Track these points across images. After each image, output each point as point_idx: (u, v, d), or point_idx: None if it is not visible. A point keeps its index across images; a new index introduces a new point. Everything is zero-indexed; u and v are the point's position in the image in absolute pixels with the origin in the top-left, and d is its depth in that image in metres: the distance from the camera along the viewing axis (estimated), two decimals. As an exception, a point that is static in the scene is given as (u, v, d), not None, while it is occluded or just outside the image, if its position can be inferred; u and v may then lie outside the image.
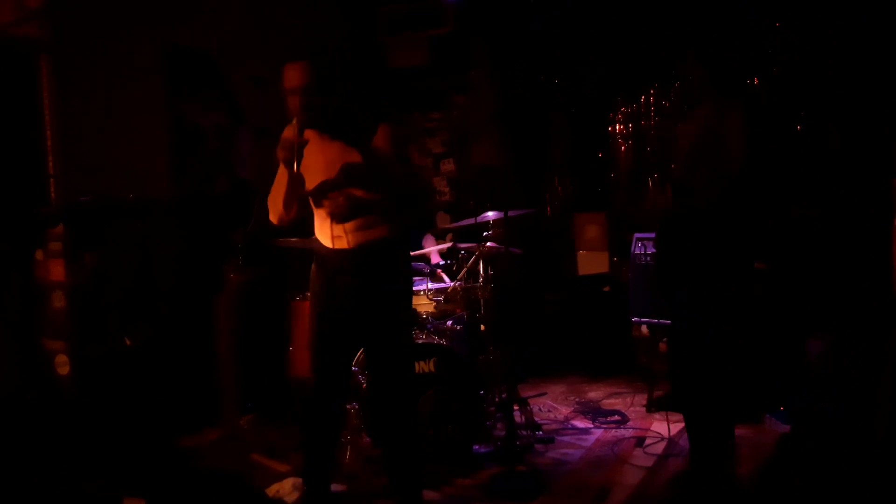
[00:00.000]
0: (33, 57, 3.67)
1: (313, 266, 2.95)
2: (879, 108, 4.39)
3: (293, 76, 2.67)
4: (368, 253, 2.81)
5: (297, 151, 2.63)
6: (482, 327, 4.23)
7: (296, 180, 2.75)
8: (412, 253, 4.28)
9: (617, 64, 5.70)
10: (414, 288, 4.10)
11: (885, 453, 3.35)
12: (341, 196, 2.74)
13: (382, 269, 2.84)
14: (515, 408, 4.00)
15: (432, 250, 4.47)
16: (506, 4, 5.94)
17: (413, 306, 4.03)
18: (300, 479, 3.17)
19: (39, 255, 3.53)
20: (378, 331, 2.86)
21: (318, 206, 2.85)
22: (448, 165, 6.03)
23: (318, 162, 2.79)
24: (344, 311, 2.84)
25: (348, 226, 2.78)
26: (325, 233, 2.86)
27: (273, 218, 2.89)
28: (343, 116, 2.78)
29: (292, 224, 2.92)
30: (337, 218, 2.78)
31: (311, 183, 2.83)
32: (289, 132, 2.70)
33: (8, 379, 3.47)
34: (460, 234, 5.26)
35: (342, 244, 2.80)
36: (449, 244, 4.43)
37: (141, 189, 4.04)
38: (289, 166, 2.68)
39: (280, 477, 3.47)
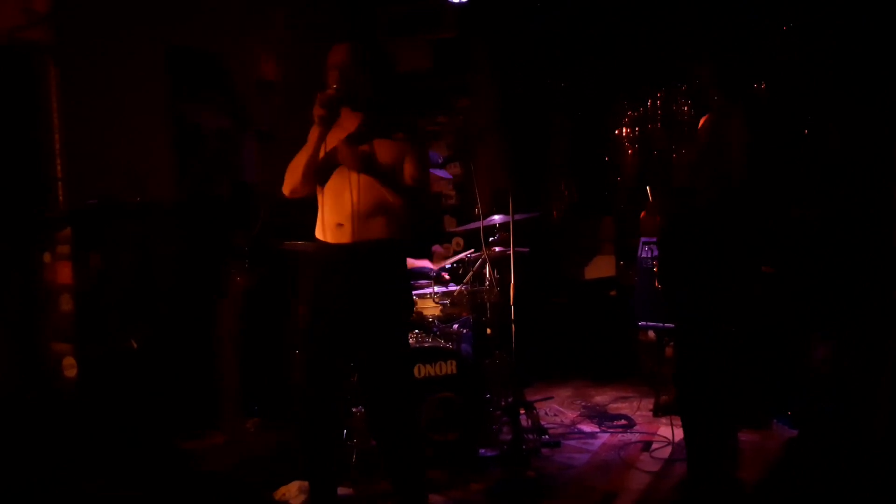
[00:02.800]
0: (40, 60, 3.68)
1: (308, 266, 2.94)
2: (879, 108, 4.38)
3: (338, 52, 2.81)
4: (369, 250, 2.80)
5: (334, 108, 2.69)
6: (488, 331, 4.22)
7: (325, 136, 2.75)
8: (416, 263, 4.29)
9: (621, 66, 5.70)
10: (420, 291, 4.11)
11: (885, 453, 3.34)
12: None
13: (381, 268, 2.82)
14: (521, 412, 3.99)
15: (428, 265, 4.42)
16: (507, 6, 5.93)
17: (419, 309, 4.04)
18: (306, 483, 3.16)
19: (47, 258, 3.53)
20: (373, 331, 2.84)
21: (327, 179, 2.84)
22: (454, 169, 6.03)
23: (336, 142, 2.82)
24: (339, 309, 2.82)
25: (354, 216, 2.77)
26: (329, 222, 2.84)
27: (286, 188, 2.87)
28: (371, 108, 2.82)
29: (306, 196, 2.90)
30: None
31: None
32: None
33: (8, 379, 3.47)
34: (465, 237, 5.26)
35: (344, 237, 2.78)
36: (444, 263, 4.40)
37: (144, 190, 4.04)
38: (324, 123, 2.70)
39: (285, 480, 3.47)
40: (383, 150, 2.79)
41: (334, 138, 2.79)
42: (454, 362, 3.67)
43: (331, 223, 2.82)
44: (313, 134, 2.79)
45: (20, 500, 3.14)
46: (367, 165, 2.75)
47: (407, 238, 2.89)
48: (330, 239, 2.83)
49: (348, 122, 2.81)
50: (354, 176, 2.77)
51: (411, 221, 2.89)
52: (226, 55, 4.74)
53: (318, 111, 2.70)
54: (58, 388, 3.52)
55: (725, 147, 3.16)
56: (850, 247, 4.23)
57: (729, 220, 3.15)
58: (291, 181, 2.85)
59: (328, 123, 2.72)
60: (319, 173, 2.83)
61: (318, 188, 2.88)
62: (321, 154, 2.80)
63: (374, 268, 2.81)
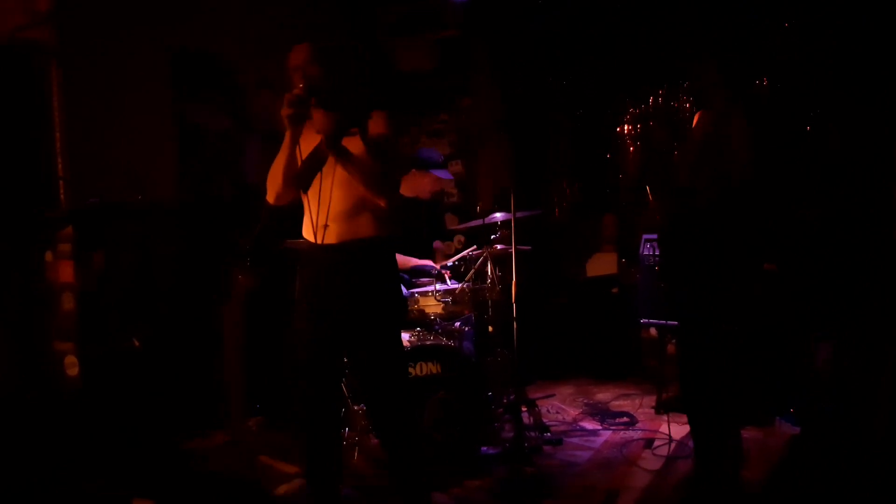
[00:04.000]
0: (43, 60, 3.69)
1: (298, 268, 2.93)
2: (879, 108, 4.36)
3: (298, 54, 2.79)
4: (357, 250, 2.80)
5: (301, 107, 2.63)
6: (490, 329, 4.22)
7: (297, 137, 2.71)
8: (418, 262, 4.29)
9: (621, 64, 5.70)
10: (422, 289, 4.12)
11: (886, 453, 3.33)
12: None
13: (370, 267, 2.82)
14: (523, 409, 4.00)
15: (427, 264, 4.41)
16: (508, 6, 5.94)
17: (421, 307, 4.04)
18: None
19: (49, 256, 3.54)
20: (368, 331, 2.83)
21: (308, 185, 2.83)
22: (455, 167, 6.04)
23: (315, 145, 2.80)
24: (335, 309, 2.81)
25: (338, 215, 2.77)
26: (315, 223, 2.83)
27: (270, 195, 2.85)
28: (342, 103, 2.80)
29: (289, 204, 2.88)
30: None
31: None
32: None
33: (8, 379, 3.47)
34: (467, 235, 5.27)
35: (329, 238, 2.77)
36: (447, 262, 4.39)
37: (145, 190, 4.05)
38: (293, 122, 2.67)
39: (288, 478, 3.48)
40: (357, 145, 2.76)
41: (310, 141, 2.76)
42: (456, 360, 3.67)
43: (317, 224, 2.81)
44: (287, 137, 2.75)
45: (21, 501, 3.15)
46: (346, 155, 2.70)
47: (396, 234, 2.88)
48: (317, 240, 2.83)
49: (321, 123, 2.76)
50: (335, 176, 2.76)
51: (398, 217, 2.88)
52: (226, 55, 4.75)
53: (285, 111, 2.65)
54: (59, 388, 3.51)
55: (726, 146, 3.14)
56: (850, 246, 4.23)
57: (729, 219, 3.14)
58: (274, 188, 2.83)
59: (298, 123, 2.68)
60: (301, 177, 2.81)
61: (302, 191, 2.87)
62: (299, 158, 2.77)
63: (364, 267, 2.81)
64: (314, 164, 2.80)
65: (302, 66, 2.76)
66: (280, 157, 2.80)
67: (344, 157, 2.70)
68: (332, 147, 2.69)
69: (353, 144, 2.73)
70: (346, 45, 2.84)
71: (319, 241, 2.78)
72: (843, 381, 3.87)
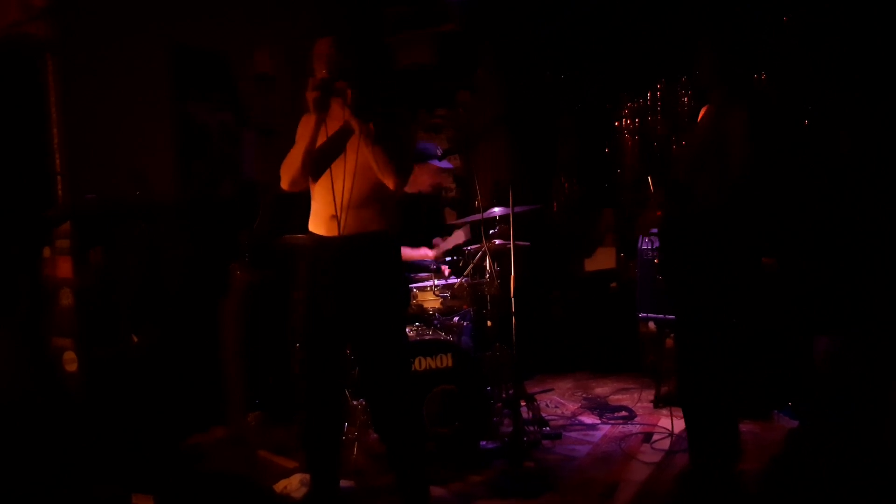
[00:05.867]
0: (39, 56, 3.68)
1: (300, 261, 2.95)
2: (888, 106, 4.35)
3: (323, 45, 2.85)
4: (362, 243, 2.81)
5: (328, 91, 2.70)
6: (489, 323, 4.23)
7: (322, 122, 2.76)
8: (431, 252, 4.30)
9: (621, 60, 5.69)
10: (420, 284, 4.12)
11: (893, 451, 3.33)
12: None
13: (375, 262, 2.83)
14: (522, 404, 4.00)
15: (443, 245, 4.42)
16: (511, 4, 5.93)
17: (420, 302, 4.04)
18: (308, 476, 3.18)
19: (46, 252, 3.54)
20: (370, 327, 2.84)
21: (321, 173, 2.85)
22: (454, 162, 6.03)
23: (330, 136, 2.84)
24: (336, 303, 2.82)
25: (346, 206, 2.78)
26: (322, 216, 2.85)
27: (285, 182, 2.87)
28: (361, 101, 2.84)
29: (302, 190, 2.92)
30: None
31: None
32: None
33: (18, 381, 3.47)
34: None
35: (337, 229, 2.78)
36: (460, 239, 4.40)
37: (146, 189, 4.05)
38: (319, 106, 2.71)
39: (287, 473, 3.48)
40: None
41: (324, 131, 2.80)
42: (455, 355, 3.67)
43: (324, 215, 2.83)
44: (308, 122, 2.81)
45: (19, 496, 3.15)
46: (370, 135, 2.75)
47: (398, 230, 2.90)
48: (323, 231, 2.84)
49: (339, 114, 2.81)
50: (348, 165, 2.78)
51: (399, 211, 2.91)
52: (230, 54, 4.74)
53: (311, 94, 2.71)
54: (66, 388, 3.52)
55: (724, 141, 3.13)
56: (857, 242, 4.21)
57: (728, 214, 3.14)
58: (290, 173, 2.85)
59: (323, 106, 2.73)
60: (316, 164, 2.83)
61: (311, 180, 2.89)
62: (317, 144, 2.80)
63: (369, 262, 2.82)
64: (330, 152, 2.82)
65: (327, 54, 2.81)
66: (300, 143, 2.84)
67: (367, 129, 2.74)
68: (358, 115, 2.73)
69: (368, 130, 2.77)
70: (355, 39, 2.87)
71: (333, 233, 2.79)
72: (846, 377, 3.86)
